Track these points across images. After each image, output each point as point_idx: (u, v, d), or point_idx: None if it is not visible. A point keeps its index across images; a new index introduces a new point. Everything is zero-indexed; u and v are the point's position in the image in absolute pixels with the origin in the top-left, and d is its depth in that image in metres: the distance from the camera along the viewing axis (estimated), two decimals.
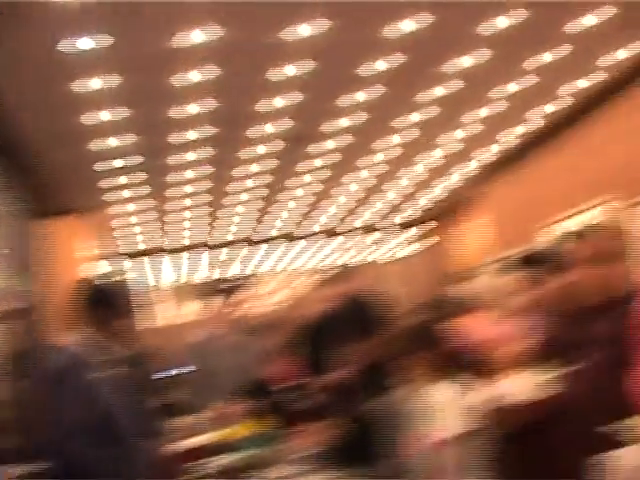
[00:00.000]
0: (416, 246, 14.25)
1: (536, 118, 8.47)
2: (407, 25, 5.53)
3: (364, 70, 6.23)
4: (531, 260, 3.40)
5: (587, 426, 2.28)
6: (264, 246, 13.41)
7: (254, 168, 8.70)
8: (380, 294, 5.06)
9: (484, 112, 7.90)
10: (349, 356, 4.40)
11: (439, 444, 2.74)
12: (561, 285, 2.85)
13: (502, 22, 5.75)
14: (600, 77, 7.37)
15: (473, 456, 2.75)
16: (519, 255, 3.49)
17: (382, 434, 2.97)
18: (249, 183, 9.36)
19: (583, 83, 7.46)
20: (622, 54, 6.83)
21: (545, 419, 2.65)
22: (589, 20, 5.96)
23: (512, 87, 7.25)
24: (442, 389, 2.86)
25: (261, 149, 8.00)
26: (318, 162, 8.94)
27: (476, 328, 3.53)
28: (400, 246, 14.61)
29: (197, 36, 5.09)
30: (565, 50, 6.51)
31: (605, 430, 2.17)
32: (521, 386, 2.75)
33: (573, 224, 8.71)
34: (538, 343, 2.87)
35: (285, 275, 15.38)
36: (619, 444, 2.10)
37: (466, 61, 6.44)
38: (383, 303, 4.81)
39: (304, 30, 5.30)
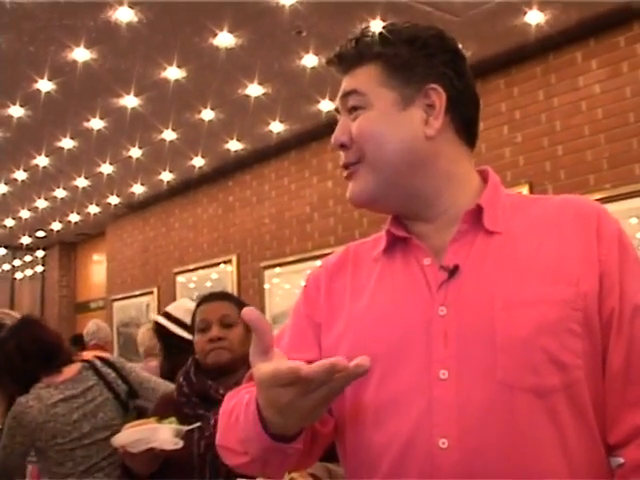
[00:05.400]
0: (28, 271, 13.43)
1: (182, 170, 8.62)
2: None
3: None
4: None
5: None
6: None
7: None
8: None
9: (136, 152, 7.82)
10: None
11: None
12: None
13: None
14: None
15: None
16: None
17: None
18: None
19: (235, 145, 7.81)
20: (277, 127, 7.31)
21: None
22: (252, 90, 6.30)
23: (170, 135, 7.31)
24: None
25: None
26: None
27: None
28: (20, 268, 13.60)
29: None
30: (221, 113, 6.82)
31: None
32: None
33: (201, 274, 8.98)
34: None
35: None
36: None
37: (130, 101, 6.37)
38: None
39: None
